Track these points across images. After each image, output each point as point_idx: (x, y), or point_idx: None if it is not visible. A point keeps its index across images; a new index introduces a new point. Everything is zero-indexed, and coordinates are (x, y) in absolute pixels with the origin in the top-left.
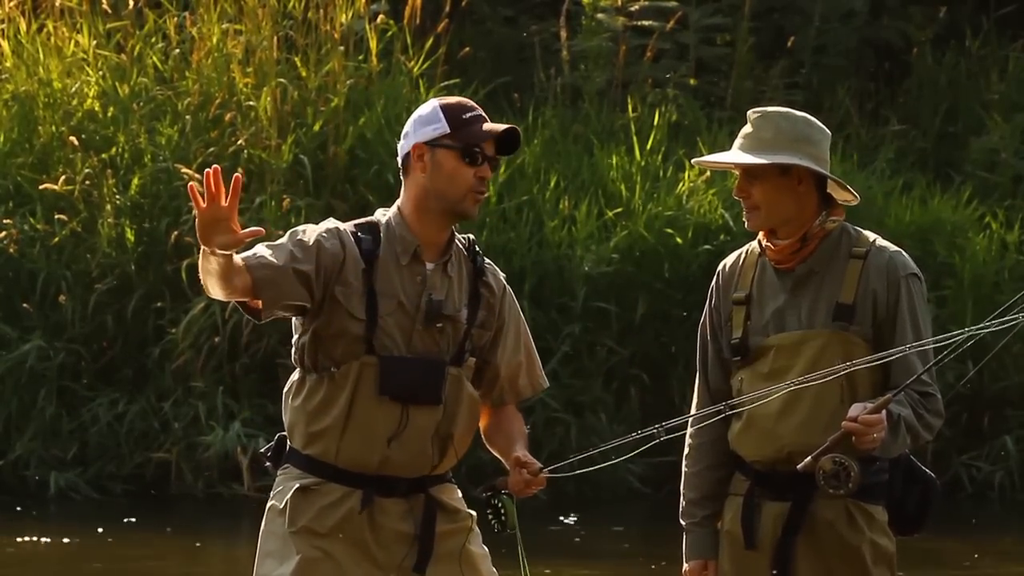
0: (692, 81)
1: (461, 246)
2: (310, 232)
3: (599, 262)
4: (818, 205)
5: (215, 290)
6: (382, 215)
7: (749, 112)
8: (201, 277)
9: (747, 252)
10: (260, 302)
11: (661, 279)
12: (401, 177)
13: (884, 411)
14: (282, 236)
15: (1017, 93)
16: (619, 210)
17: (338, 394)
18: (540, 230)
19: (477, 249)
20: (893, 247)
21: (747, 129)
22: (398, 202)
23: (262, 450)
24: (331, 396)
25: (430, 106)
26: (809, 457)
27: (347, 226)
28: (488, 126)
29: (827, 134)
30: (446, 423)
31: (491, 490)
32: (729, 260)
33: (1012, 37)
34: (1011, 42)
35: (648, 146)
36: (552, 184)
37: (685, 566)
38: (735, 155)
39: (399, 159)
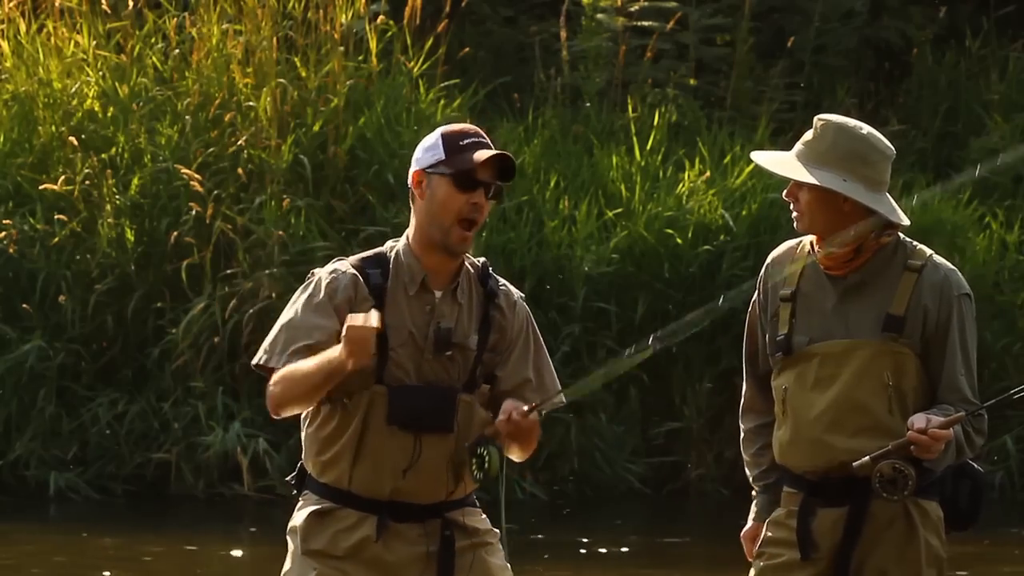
0: (692, 81)
1: (473, 271)
2: (320, 288)
3: (599, 262)
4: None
5: (305, 403)
6: (391, 245)
7: (816, 118)
8: (289, 396)
9: (798, 247)
10: None
11: (661, 279)
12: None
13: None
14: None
15: (1017, 93)
16: (619, 210)
17: (349, 423)
18: (540, 230)
19: (490, 271)
20: (949, 265)
21: (808, 135)
22: (407, 231)
23: (287, 479)
24: (342, 425)
25: (436, 134)
26: (868, 458)
27: (354, 262)
28: (480, 153)
29: (886, 153)
30: (460, 450)
31: (480, 439)
32: (778, 251)
33: (1012, 37)
34: (1011, 42)
35: (648, 146)
36: (552, 184)
37: (749, 524)
38: (787, 166)
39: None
